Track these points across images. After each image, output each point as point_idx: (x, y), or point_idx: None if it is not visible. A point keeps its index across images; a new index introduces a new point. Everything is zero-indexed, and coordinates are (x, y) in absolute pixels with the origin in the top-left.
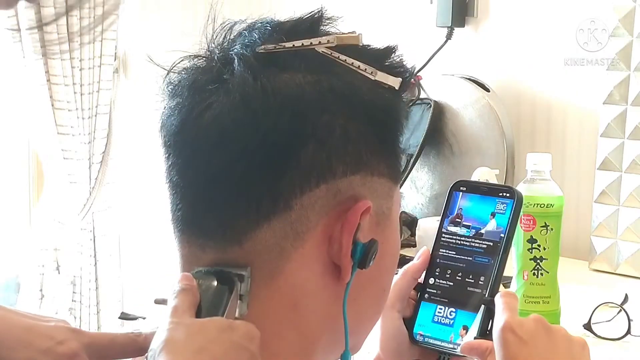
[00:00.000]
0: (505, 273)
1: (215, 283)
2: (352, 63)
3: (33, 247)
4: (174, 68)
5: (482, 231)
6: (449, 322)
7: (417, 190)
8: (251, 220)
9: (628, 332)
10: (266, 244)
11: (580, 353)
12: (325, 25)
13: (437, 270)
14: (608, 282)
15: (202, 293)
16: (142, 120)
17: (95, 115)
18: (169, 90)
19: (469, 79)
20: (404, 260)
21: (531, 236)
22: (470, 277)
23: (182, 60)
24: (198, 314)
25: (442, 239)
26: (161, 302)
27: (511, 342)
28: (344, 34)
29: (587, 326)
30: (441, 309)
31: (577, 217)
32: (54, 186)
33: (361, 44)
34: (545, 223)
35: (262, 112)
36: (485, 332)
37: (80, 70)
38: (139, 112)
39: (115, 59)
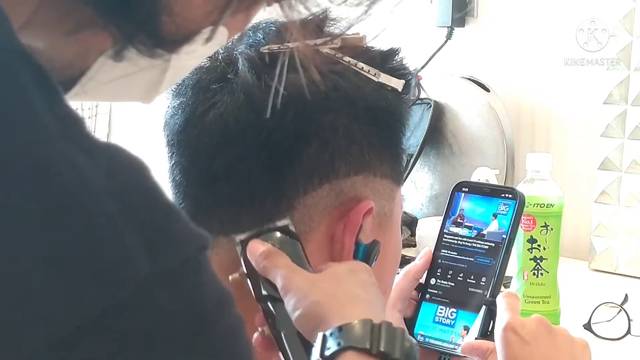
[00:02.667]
0: (506, 273)
1: (287, 237)
2: (356, 64)
3: None
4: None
5: (484, 232)
6: (450, 323)
7: (417, 190)
8: (254, 220)
9: (628, 332)
10: None
11: (582, 354)
12: (330, 26)
13: (439, 270)
14: (608, 282)
15: (281, 248)
16: (142, 120)
17: (95, 115)
18: (172, 90)
19: (469, 79)
20: (404, 261)
21: (531, 236)
22: (472, 277)
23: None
24: None
25: (444, 239)
26: None
27: (513, 343)
28: (348, 35)
29: (587, 326)
30: (442, 309)
31: (577, 217)
32: None
33: (365, 45)
34: (545, 223)
35: (265, 111)
36: (486, 333)
37: None
38: (139, 112)
39: None
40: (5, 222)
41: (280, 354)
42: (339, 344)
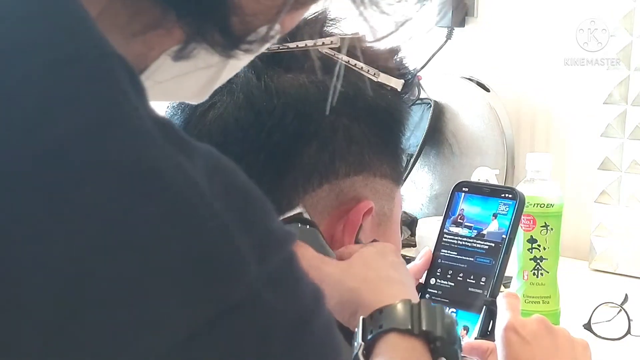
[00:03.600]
0: (506, 273)
1: (305, 227)
2: (355, 64)
3: None
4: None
5: (484, 232)
6: None
7: (417, 190)
8: None
9: (628, 332)
10: None
11: (582, 354)
12: (329, 26)
13: (439, 270)
14: (608, 282)
15: (302, 239)
16: None
17: None
18: None
19: (469, 79)
20: (404, 261)
21: (531, 236)
22: (472, 277)
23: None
24: None
25: (444, 239)
26: None
27: (514, 342)
28: (348, 35)
29: (587, 326)
30: None
31: (577, 217)
32: None
33: (364, 45)
34: (545, 223)
35: (265, 112)
36: (485, 333)
37: None
38: None
39: None
40: (122, 227)
41: None
42: (380, 326)
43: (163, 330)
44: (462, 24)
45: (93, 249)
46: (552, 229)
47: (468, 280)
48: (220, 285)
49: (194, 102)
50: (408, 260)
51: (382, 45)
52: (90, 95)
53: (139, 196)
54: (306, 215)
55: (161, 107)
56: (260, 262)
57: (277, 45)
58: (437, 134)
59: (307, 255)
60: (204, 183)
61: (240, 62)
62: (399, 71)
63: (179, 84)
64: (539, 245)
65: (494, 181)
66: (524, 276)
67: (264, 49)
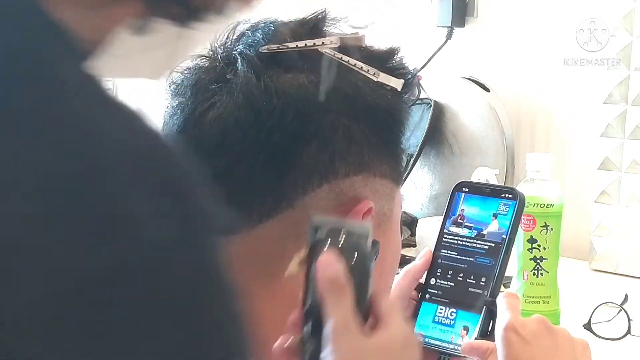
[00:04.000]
0: (506, 273)
1: (368, 242)
2: (355, 64)
3: None
4: (177, 67)
5: (484, 232)
6: (450, 323)
7: (417, 190)
8: (253, 219)
9: (628, 332)
10: (268, 243)
11: (582, 354)
12: (329, 26)
13: (439, 270)
14: (608, 282)
15: (347, 260)
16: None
17: None
18: (171, 90)
19: (469, 79)
20: (404, 261)
21: (531, 236)
22: (472, 277)
23: (185, 60)
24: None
25: (444, 239)
26: None
27: (514, 342)
28: (347, 34)
29: (587, 326)
30: (442, 309)
31: (577, 217)
32: None
33: (364, 45)
34: (545, 223)
35: (265, 112)
36: (485, 333)
37: None
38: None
39: None
40: (18, 174)
41: None
42: None
43: (48, 279)
44: (462, 24)
45: None
46: (552, 229)
47: (468, 280)
48: (110, 243)
49: (154, 79)
50: (408, 260)
51: (382, 45)
52: (15, 52)
53: (49, 148)
54: (369, 241)
55: (161, 107)
56: (169, 228)
57: (277, 45)
58: (437, 134)
59: (341, 304)
60: (120, 141)
61: (199, 34)
62: (399, 71)
63: (137, 58)
64: (539, 245)
65: (494, 181)
66: (524, 276)
67: (224, 21)
